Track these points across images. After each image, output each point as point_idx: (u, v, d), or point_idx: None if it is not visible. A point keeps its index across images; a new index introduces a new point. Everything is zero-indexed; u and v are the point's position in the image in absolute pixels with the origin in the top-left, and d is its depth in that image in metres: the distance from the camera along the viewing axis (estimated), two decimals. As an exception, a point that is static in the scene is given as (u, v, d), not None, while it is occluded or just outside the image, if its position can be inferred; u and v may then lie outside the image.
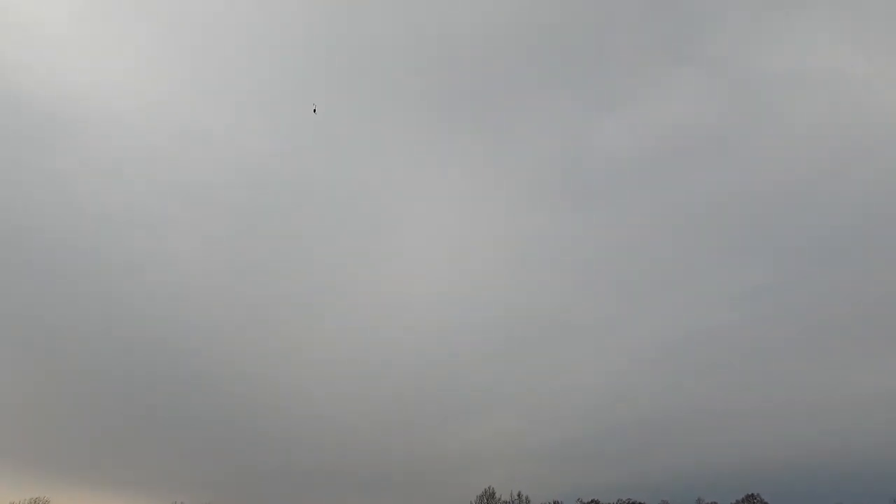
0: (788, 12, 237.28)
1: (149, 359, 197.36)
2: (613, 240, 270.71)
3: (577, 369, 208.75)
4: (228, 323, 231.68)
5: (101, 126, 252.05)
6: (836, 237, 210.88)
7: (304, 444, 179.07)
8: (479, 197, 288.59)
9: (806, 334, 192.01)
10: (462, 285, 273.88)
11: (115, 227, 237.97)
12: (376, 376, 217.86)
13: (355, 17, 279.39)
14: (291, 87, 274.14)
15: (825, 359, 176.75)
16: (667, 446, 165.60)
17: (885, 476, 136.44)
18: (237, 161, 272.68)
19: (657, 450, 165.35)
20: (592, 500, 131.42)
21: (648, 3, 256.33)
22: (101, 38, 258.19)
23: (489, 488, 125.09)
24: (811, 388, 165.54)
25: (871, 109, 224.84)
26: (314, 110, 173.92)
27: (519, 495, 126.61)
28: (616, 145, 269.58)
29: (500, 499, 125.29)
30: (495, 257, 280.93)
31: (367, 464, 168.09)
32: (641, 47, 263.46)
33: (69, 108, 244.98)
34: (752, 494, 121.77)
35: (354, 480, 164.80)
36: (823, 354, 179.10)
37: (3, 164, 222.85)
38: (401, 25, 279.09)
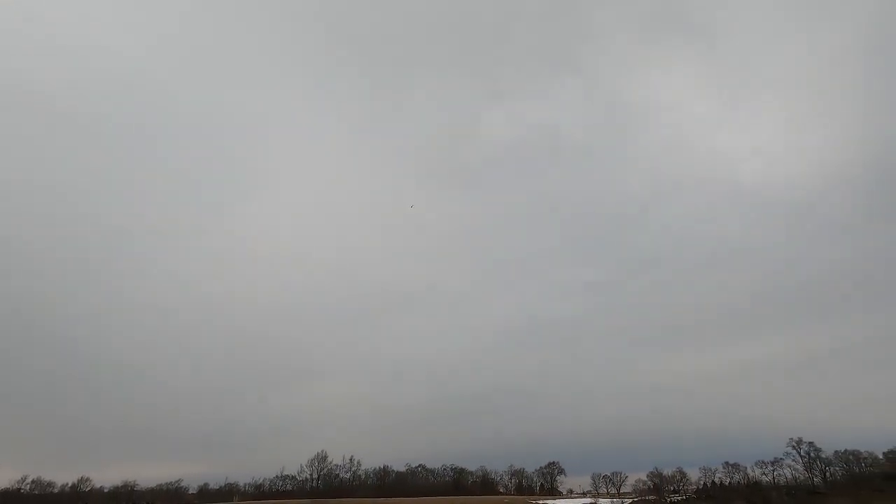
0: (662, 53, 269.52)
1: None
2: (479, 223, 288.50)
3: (423, 341, 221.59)
4: (36, 251, 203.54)
5: None
6: (659, 249, 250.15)
7: (135, 399, 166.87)
8: (358, 159, 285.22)
9: (623, 329, 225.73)
10: (322, 243, 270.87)
11: None
12: (211, 330, 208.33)
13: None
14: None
15: (636, 351, 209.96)
16: (491, 419, 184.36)
17: (673, 449, 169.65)
18: (77, 57, 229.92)
19: (482, 422, 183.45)
20: (419, 465, 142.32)
21: (549, 11, 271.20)
22: None
23: (322, 451, 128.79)
24: (620, 374, 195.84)
25: (701, 147, 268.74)
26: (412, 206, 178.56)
27: (351, 459, 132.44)
28: (497, 135, 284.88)
29: (331, 462, 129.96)
30: (362, 222, 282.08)
31: (201, 422, 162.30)
32: (535, 49, 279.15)
33: None
34: (553, 462, 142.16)
35: (188, 438, 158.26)
36: (635, 347, 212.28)
37: None
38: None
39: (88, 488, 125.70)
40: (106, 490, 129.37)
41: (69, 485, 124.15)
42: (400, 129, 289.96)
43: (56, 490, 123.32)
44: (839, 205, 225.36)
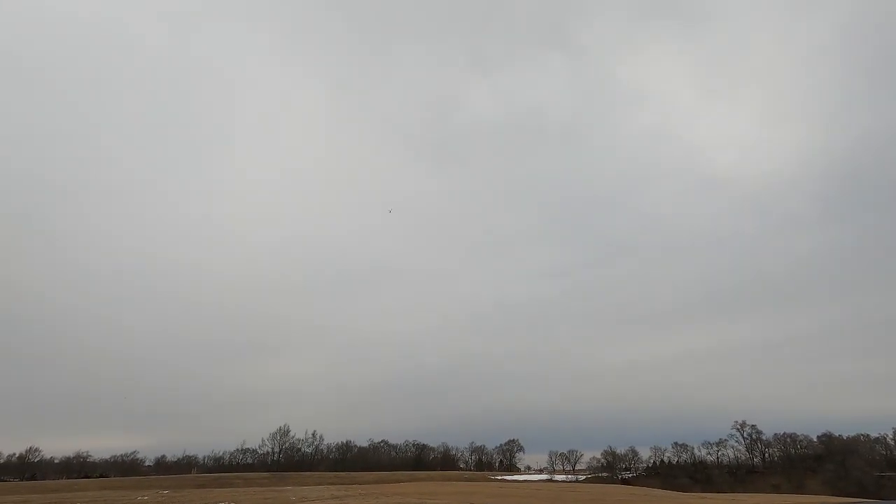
0: (650, 38, 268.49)
1: None
2: (457, 201, 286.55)
3: (394, 317, 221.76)
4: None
5: None
6: (633, 236, 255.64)
7: (88, 369, 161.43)
8: (335, 123, 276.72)
9: (587, 313, 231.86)
10: (291, 208, 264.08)
11: None
12: (170, 301, 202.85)
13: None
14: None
15: (597, 334, 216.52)
16: (454, 397, 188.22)
17: (627, 429, 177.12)
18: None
19: (447, 399, 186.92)
20: (382, 440, 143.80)
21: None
22: None
23: (284, 426, 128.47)
24: (580, 356, 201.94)
25: (682, 135, 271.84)
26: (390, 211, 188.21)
27: (314, 434, 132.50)
28: (480, 111, 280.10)
29: (293, 436, 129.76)
30: (335, 188, 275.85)
31: (158, 393, 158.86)
32: (524, 22, 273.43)
33: None
34: (513, 439, 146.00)
35: (144, 410, 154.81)
36: (597, 330, 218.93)
37: None
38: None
39: (37, 459, 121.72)
40: (57, 461, 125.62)
41: (16, 455, 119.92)
42: (381, 95, 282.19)
43: (2, 460, 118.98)
44: (804, 201, 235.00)
